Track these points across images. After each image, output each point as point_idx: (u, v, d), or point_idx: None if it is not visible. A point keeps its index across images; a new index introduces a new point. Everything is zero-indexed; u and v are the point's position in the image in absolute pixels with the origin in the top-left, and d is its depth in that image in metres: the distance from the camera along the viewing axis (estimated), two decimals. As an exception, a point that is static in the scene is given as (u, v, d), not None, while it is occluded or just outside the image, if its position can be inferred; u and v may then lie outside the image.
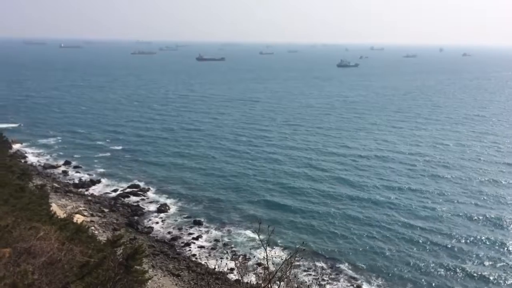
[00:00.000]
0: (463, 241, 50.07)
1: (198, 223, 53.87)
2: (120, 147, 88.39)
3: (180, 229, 52.59)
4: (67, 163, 77.12)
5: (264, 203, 60.46)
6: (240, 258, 44.52)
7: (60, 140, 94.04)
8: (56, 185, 65.26)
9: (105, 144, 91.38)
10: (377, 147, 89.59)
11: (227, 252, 45.76)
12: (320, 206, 59.30)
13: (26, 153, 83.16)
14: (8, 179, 41.55)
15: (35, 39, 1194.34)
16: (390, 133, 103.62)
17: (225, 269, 41.06)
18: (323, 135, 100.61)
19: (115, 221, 53.32)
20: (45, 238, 23.69)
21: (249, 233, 51.03)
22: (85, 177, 70.47)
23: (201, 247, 48.06)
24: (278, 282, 14.98)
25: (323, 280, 41.65)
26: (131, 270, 24.12)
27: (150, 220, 54.93)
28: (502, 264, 45.27)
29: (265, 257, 15.49)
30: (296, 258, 16.93)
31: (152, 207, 58.68)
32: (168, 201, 60.70)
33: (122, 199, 61.53)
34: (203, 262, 44.10)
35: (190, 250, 47.41)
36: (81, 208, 56.00)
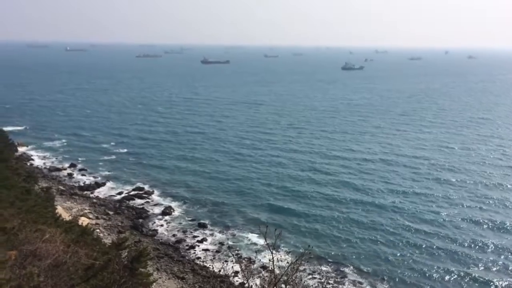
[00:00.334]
0: (468, 245, 49.77)
1: (202, 226, 53.91)
2: (124, 150, 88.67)
3: (184, 232, 52.64)
4: (72, 165, 77.41)
5: (268, 206, 60.42)
6: (244, 261, 44.47)
7: (65, 143, 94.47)
8: (61, 187, 65.53)
9: (109, 147, 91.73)
10: (382, 150, 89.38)
11: (232, 255, 45.71)
12: (324, 210, 59.19)
13: (31, 155, 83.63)
14: (14, 181, 41.79)
15: (39, 42, 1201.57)
16: (394, 136, 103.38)
17: (230, 272, 41.03)
18: (327, 138, 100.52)
19: (120, 224, 53.45)
20: (51, 241, 23.80)
21: (253, 236, 51.01)
22: (90, 179, 70.75)
23: (205, 250, 48.08)
24: (283, 286, 14.98)
25: (328, 283, 41.55)
26: (135, 272, 24.22)
27: (154, 222, 55.02)
28: (508, 269, 44.95)
29: (271, 260, 15.49)
30: (301, 262, 16.89)
31: (157, 210, 58.78)
32: (173, 204, 60.78)
33: (127, 201, 61.69)
34: (207, 265, 44.12)
35: (194, 253, 47.44)
36: (86, 211, 56.18)
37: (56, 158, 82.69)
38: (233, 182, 69.68)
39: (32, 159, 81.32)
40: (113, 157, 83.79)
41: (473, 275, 43.53)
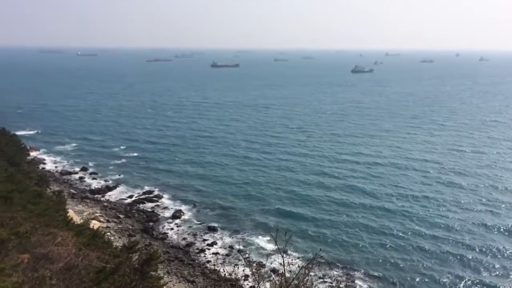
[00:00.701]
0: (480, 251, 49.15)
1: (212, 230, 54.02)
2: (135, 154, 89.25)
3: (194, 235, 52.78)
4: (83, 169, 78.13)
5: (277, 210, 60.36)
6: (255, 265, 44.44)
7: (76, 147, 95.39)
8: (73, 191, 66.17)
9: (120, 151, 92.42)
10: (392, 154, 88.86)
11: (243, 258, 45.70)
12: (334, 214, 58.95)
13: (43, 159, 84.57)
14: (26, 185, 42.29)
15: (51, 48, 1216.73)
16: (404, 139, 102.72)
17: (240, 276, 41.04)
18: (336, 142, 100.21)
19: (130, 227, 53.79)
20: (63, 244, 24.02)
21: (262, 240, 51.00)
22: (101, 183, 71.32)
23: (215, 253, 48.16)
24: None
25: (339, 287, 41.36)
26: (146, 276, 24.34)
27: (164, 226, 55.27)
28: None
29: (281, 263, 15.50)
30: (312, 265, 16.87)
31: (167, 213, 59.04)
32: (183, 207, 61.02)
33: (137, 205, 62.07)
34: (218, 269, 44.15)
35: (204, 256, 47.55)
36: (97, 214, 56.62)
37: (68, 162, 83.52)
38: (242, 186, 69.75)
39: (44, 163, 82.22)
40: (124, 161, 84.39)
41: (485, 281, 43.00)
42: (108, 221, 55.10)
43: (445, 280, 43.13)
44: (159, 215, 58.68)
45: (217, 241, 51.06)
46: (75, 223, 38.00)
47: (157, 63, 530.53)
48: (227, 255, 47.90)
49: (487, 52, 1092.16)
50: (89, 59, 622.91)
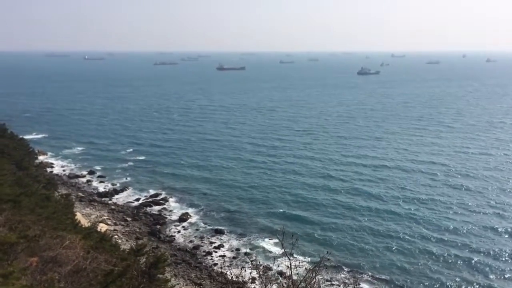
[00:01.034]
0: (487, 254, 48.76)
1: (219, 232, 54.10)
2: (141, 157, 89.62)
3: (201, 238, 52.90)
4: (91, 172, 78.57)
5: (283, 213, 60.32)
6: (262, 268, 44.43)
7: (84, 151, 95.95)
8: (80, 194, 66.57)
9: (127, 154, 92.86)
10: (398, 156, 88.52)
11: (250, 261, 45.69)
12: (340, 217, 58.81)
13: (51, 163, 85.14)
14: (35, 189, 42.60)
15: (57, 51, 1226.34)
16: (411, 141, 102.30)
17: (247, 279, 41.05)
18: (342, 144, 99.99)
19: (138, 230, 54.01)
20: (71, 247, 24.25)
21: (269, 243, 51.00)
22: (109, 186, 71.71)
23: (222, 256, 48.24)
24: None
25: (346, 291, 41.26)
26: (154, 278, 24.45)
27: (171, 229, 55.45)
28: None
29: (288, 266, 15.53)
30: (319, 268, 16.90)
31: (174, 216, 59.22)
32: (189, 210, 61.17)
33: (145, 208, 62.31)
34: (225, 271, 44.20)
35: (211, 259, 47.63)
36: (105, 217, 56.93)
37: (75, 165, 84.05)
38: (248, 189, 69.79)
39: (52, 167, 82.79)
40: (130, 164, 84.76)
41: (494, 285, 42.65)
42: (115, 224, 55.38)
43: (451, 284, 42.84)
44: (166, 218, 58.88)
45: (224, 244, 51.14)
46: (83, 226, 38.29)
47: (164, 67, 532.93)
48: (234, 257, 47.95)
49: (494, 53, 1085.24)
50: (97, 63, 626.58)
